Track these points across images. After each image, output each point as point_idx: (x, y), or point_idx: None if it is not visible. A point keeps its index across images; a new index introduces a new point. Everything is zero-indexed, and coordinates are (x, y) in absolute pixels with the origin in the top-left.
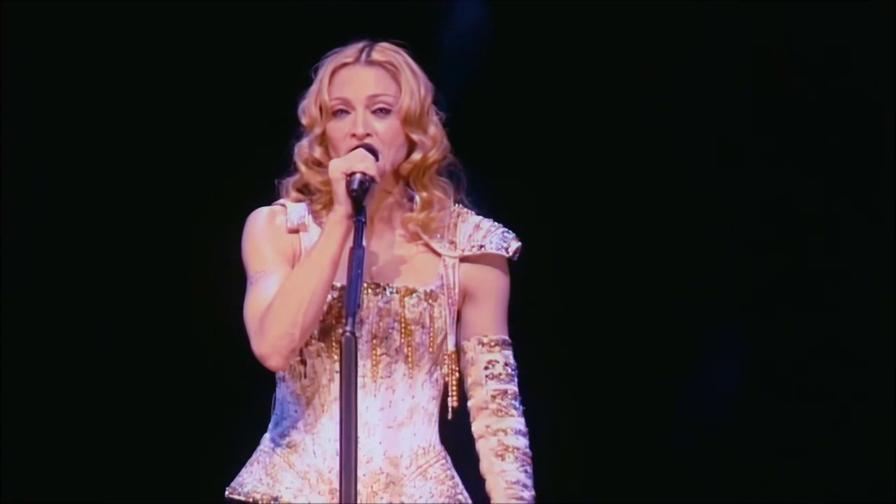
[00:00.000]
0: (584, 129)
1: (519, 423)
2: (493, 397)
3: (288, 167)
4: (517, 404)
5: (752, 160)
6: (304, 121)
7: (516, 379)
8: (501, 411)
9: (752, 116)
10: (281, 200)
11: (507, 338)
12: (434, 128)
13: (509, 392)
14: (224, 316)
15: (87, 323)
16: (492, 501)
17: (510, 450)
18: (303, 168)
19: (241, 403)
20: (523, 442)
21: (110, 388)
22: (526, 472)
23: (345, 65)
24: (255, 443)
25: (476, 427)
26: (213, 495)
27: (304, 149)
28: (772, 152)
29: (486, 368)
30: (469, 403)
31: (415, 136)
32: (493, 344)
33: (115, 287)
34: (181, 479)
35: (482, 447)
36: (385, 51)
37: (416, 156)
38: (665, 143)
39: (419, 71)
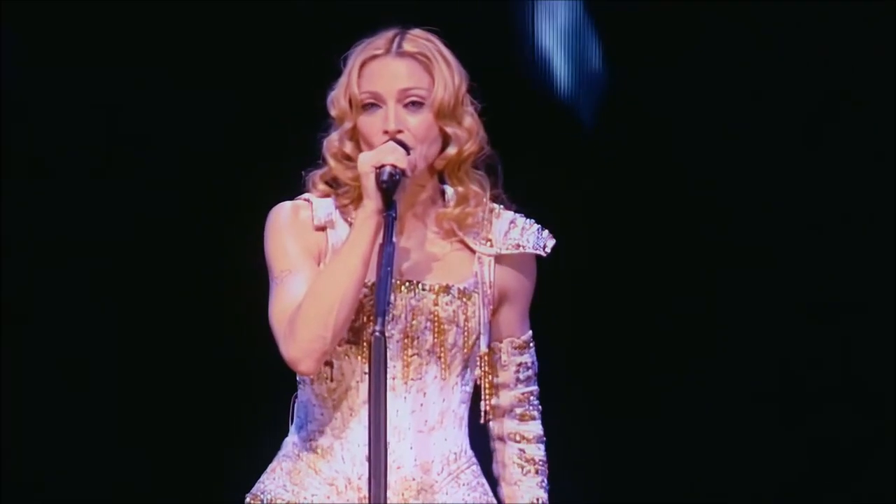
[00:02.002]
0: (583, 130)
1: (538, 427)
2: (520, 401)
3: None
4: (538, 405)
5: (753, 159)
6: (333, 112)
7: (537, 377)
8: (526, 416)
9: (752, 116)
10: (305, 195)
11: (531, 332)
12: (470, 119)
13: (534, 393)
14: (236, 315)
15: (89, 323)
16: None
17: (531, 462)
18: (332, 162)
19: (255, 406)
20: (542, 452)
21: (113, 390)
22: (544, 487)
23: (375, 57)
24: (270, 447)
25: (497, 427)
26: (226, 501)
27: (333, 143)
28: (773, 152)
29: (517, 371)
30: (492, 401)
31: (449, 130)
32: (524, 345)
33: (117, 287)
34: (192, 484)
35: (502, 451)
36: (416, 40)
37: (452, 150)
38: (665, 143)
39: (453, 59)
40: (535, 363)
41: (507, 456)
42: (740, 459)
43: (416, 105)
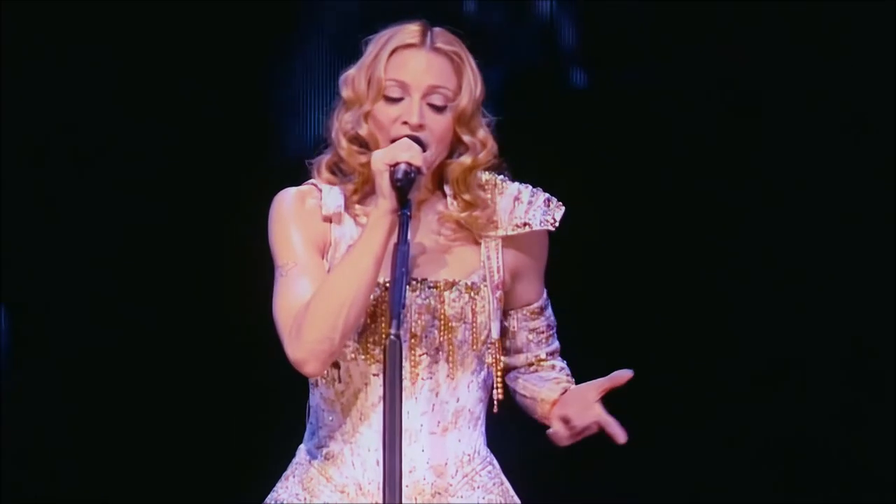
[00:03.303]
0: (583, 130)
1: (557, 362)
2: (531, 364)
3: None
4: (553, 363)
5: (753, 158)
6: (345, 92)
7: (555, 334)
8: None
9: (753, 115)
10: (312, 181)
11: (545, 295)
12: (483, 131)
13: (551, 353)
14: (254, 318)
15: (94, 324)
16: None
17: (545, 367)
18: (343, 144)
19: (275, 411)
20: (561, 363)
21: (118, 393)
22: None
23: (410, 46)
24: (290, 454)
25: (512, 383)
26: None
27: (347, 124)
28: (773, 151)
29: (528, 339)
30: (508, 361)
31: (466, 138)
32: (537, 311)
33: (122, 287)
34: (210, 494)
35: (513, 385)
36: (450, 39)
37: (466, 160)
38: (665, 143)
39: (476, 67)
40: (552, 322)
41: (518, 381)
42: (742, 460)
43: (440, 105)
